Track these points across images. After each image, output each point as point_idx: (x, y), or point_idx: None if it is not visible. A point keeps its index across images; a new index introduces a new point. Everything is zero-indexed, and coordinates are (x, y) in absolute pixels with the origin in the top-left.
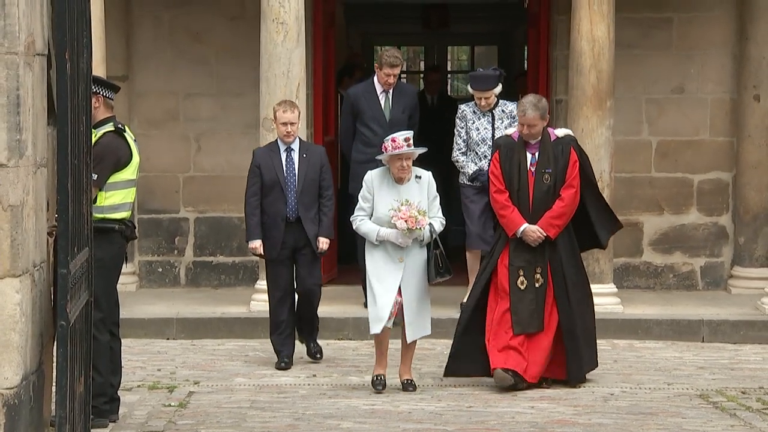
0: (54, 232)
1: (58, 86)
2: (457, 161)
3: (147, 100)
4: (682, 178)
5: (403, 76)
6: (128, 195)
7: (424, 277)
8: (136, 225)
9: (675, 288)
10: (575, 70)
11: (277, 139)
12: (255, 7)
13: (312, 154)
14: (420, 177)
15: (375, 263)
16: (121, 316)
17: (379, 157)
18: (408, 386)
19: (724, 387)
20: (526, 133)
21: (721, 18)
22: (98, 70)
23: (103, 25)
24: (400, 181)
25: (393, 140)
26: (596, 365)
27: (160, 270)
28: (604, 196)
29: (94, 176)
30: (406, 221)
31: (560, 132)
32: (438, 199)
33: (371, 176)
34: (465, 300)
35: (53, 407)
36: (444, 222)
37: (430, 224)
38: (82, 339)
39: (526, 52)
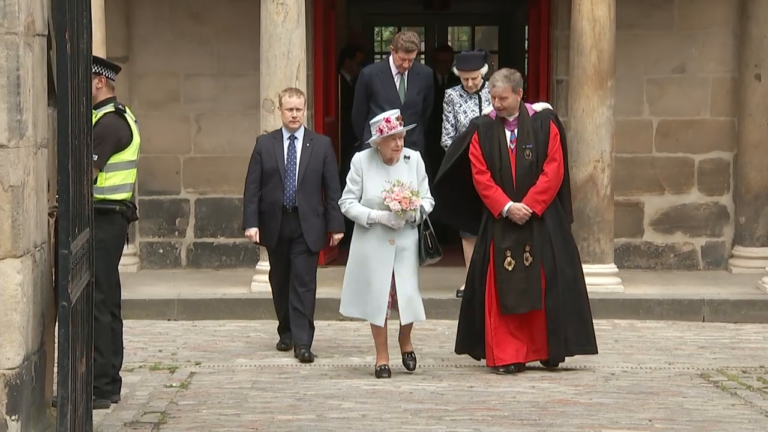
0: (55, 213)
1: (59, 67)
2: (446, 146)
3: (147, 81)
4: (683, 157)
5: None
6: (129, 176)
7: (416, 258)
8: (137, 206)
9: (676, 268)
10: (576, 50)
11: (281, 127)
12: None
13: (316, 144)
14: (409, 157)
15: (365, 247)
16: (122, 297)
17: (372, 140)
18: (408, 359)
19: (725, 366)
20: (499, 106)
21: None
22: (98, 51)
23: (103, 6)
24: (389, 162)
25: (387, 120)
26: (592, 349)
27: (161, 251)
28: (605, 176)
29: (95, 157)
30: (400, 202)
31: (538, 106)
32: (427, 179)
33: (359, 158)
34: (462, 288)
35: (55, 388)
36: (433, 202)
37: (421, 205)
38: (84, 320)
39: (526, 32)
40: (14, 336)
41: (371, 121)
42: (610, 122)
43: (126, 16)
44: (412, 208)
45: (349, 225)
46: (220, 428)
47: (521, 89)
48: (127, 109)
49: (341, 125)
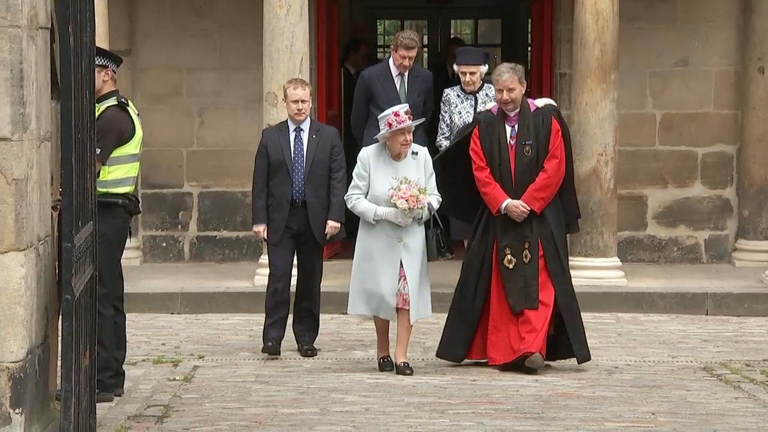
0: (58, 206)
1: (62, 60)
2: (441, 146)
3: (150, 74)
4: (686, 151)
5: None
6: (131, 169)
7: (424, 256)
8: (140, 200)
9: (679, 261)
10: (579, 44)
11: (287, 119)
12: None
13: (323, 135)
14: (417, 153)
15: (372, 244)
16: (125, 291)
17: (381, 134)
18: (404, 369)
19: (728, 360)
20: (506, 98)
21: None
22: (101, 45)
23: (106, 0)
24: (397, 157)
25: (396, 114)
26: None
27: (164, 245)
28: (609, 169)
29: (97, 150)
30: (407, 200)
31: (540, 102)
32: (434, 176)
33: (366, 153)
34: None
35: (58, 381)
36: (440, 199)
37: (428, 202)
38: (87, 313)
39: (529, 26)
40: (18, 329)
41: (379, 116)
42: (613, 116)
43: (129, 10)
44: (420, 206)
45: (353, 221)
46: (223, 422)
47: (525, 82)
48: (130, 103)
49: (344, 118)
